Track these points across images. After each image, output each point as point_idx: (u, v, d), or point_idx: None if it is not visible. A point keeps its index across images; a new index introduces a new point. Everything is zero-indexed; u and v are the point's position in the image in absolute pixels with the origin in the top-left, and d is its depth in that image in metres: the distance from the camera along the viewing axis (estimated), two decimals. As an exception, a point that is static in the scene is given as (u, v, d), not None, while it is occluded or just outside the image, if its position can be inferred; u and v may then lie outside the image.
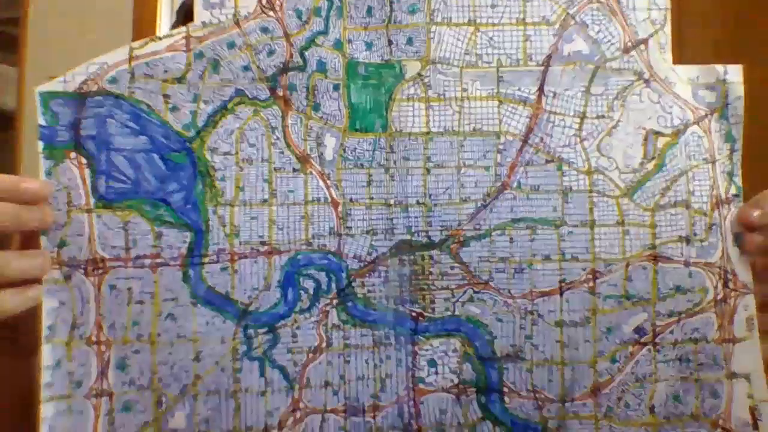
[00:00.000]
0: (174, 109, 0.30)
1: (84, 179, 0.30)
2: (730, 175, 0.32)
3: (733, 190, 0.32)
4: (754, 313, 0.31)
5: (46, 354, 0.28)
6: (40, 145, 0.29)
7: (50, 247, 0.29)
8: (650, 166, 0.32)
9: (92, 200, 0.30)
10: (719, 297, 0.31)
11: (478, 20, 0.32)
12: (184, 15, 0.36)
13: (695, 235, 0.32)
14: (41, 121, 0.29)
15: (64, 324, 0.29)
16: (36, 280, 0.28)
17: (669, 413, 0.31)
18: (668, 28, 0.32)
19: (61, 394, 0.28)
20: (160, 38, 0.30)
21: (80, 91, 0.30)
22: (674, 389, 0.31)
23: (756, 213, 0.31)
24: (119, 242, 0.30)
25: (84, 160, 0.30)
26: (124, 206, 0.30)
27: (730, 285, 0.31)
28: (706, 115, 0.32)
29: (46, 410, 0.28)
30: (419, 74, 0.31)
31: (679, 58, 0.32)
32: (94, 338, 0.29)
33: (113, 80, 0.30)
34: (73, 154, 0.29)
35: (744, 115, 0.32)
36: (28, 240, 0.29)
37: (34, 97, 0.29)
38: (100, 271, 0.29)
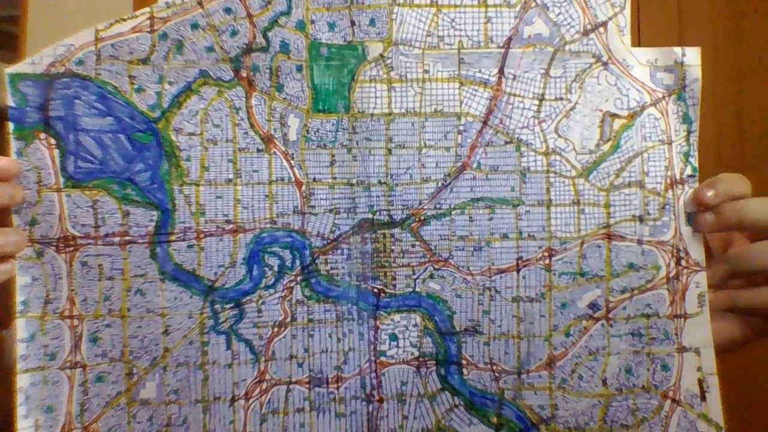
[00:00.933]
0: (139, 90, 0.31)
1: (53, 159, 0.30)
2: (687, 155, 0.32)
3: (689, 171, 0.32)
4: (705, 290, 0.32)
5: (21, 328, 0.29)
6: (11, 126, 0.30)
7: (22, 225, 0.29)
8: (606, 147, 0.32)
9: (62, 180, 0.30)
10: (671, 274, 0.32)
11: (440, 1, 0.32)
12: None
13: (648, 214, 0.32)
14: (10, 102, 0.29)
15: (37, 299, 0.29)
16: (10, 256, 0.29)
17: (621, 385, 0.32)
18: (628, 12, 0.32)
19: (36, 366, 0.29)
20: (125, 19, 0.31)
21: (48, 72, 0.30)
22: (626, 362, 0.32)
23: (710, 193, 0.31)
24: (89, 220, 0.30)
25: (53, 141, 0.30)
26: (92, 186, 0.30)
27: (683, 263, 0.32)
28: (664, 97, 0.32)
29: (21, 381, 0.29)
30: (381, 55, 0.32)
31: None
32: (67, 313, 0.30)
33: (80, 62, 0.30)
34: (42, 135, 0.30)
35: (701, 96, 0.33)
36: None
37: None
38: (71, 248, 0.30)
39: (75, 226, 0.30)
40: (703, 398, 0.32)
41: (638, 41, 1.02)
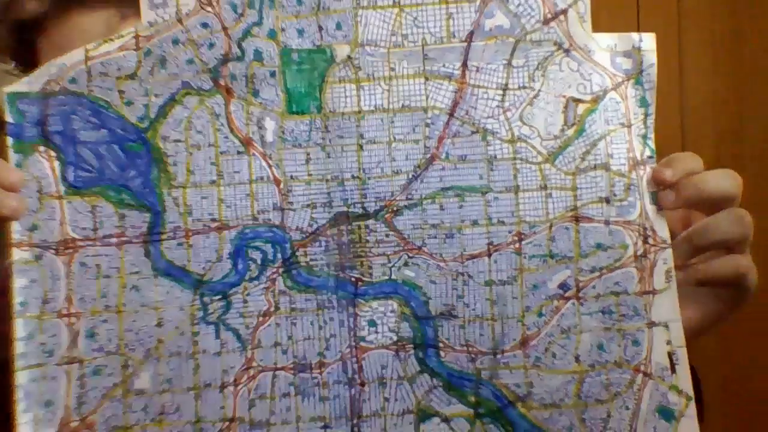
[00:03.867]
0: (129, 103, 0.32)
1: (54, 170, 0.31)
2: (644, 137, 0.32)
3: (647, 152, 0.32)
4: (671, 266, 0.32)
5: (19, 327, 0.30)
6: (10, 140, 0.31)
7: (22, 231, 0.31)
8: (570, 132, 0.32)
9: (62, 188, 0.31)
10: (639, 252, 0.32)
11: (402, 2, 0.32)
12: None
13: (614, 195, 0.32)
14: (9, 118, 0.31)
15: (35, 300, 0.31)
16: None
17: (594, 361, 0.32)
18: (586, -2, 0.32)
19: (35, 363, 0.30)
20: (112, 39, 0.32)
21: (44, 90, 0.31)
22: (598, 339, 0.32)
23: (669, 172, 0.31)
24: (88, 224, 0.31)
25: (53, 153, 0.31)
26: (90, 192, 0.31)
27: (650, 240, 0.32)
28: (623, 81, 0.32)
29: (20, 377, 0.30)
30: (349, 57, 0.32)
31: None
32: (64, 311, 0.31)
33: (73, 80, 0.31)
34: (41, 148, 0.31)
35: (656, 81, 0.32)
36: None
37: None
38: (71, 250, 0.31)
39: (75, 229, 0.31)
40: (673, 370, 0.31)
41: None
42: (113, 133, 0.32)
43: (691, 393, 0.31)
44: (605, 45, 0.32)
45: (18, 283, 0.30)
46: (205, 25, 0.32)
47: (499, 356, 0.32)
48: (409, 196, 0.32)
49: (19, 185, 0.30)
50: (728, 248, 0.31)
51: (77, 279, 0.31)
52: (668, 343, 0.31)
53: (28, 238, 0.31)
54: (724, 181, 0.31)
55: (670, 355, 0.31)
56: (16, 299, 0.30)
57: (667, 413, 0.31)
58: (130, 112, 0.32)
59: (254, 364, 0.32)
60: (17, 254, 0.31)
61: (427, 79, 0.32)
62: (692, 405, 0.31)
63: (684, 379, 0.31)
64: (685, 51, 0.99)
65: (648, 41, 0.32)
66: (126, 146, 0.32)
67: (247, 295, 0.32)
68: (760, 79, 0.99)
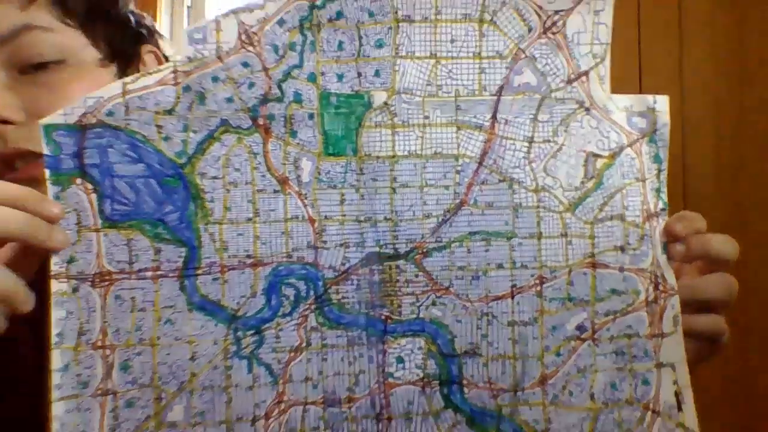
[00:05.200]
0: (167, 138, 0.32)
1: (91, 203, 0.31)
2: (658, 191, 0.34)
3: (660, 205, 0.34)
4: (678, 312, 0.34)
5: (56, 359, 0.30)
6: (47, 172, 0.31)
7: (60, 263, 0.30)
8: (590, 184, 0.34)
9: (99, 221, 0.31)
10: (650, 298, 0.34)
11: (438, 54, 0.33)
12: None
13: (629, 244, 0.34)
14: (45, 150, 0.30)
15: (71, 331, 0.30)
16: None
17: (607, 399, 0.33)
18: (608, 61, 0.34)
19: (70, 395, 0.30)
20: (150, 73, 0.32)
21: (80, 123, 0.31)
22: (611, 378, 0.33)
23: (680, 226, 0.33)
24: (124, 257, 0.31)
25: (90, 186, 0.31)
26: (127, 226, 0.31)
27: (660, 287, 0.34)
28: (638, 139, 0.34)
29: (56, 409, 0.30)
30: (386, 103, 0.33)
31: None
32: (99, 343, 0.31)
33: (110, 113, 0.31)
34: (79, 180, 0.31)
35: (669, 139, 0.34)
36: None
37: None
38: (107, 282, 0.31)
39: (111, 262, 0.31)
40: (680, 409, 0.33)
41: (638, 41, 1.01)
42: (150, 168, 0.32)
43: (697, 430, 0.33)
44: (622, 105, 0.34)
45: (56, 314, 0.30)
46: (245, 65, 0.32)
47: (519, 393, 0.33)
48: (439, 239, 0.33)
49: (59, 217, 0.30)
50: (710, 308, 0.34)
51: (112, 311, 0.31)
52: (675, 383, 0.33)
53: (66, 270, 0.30)
54: (727, 245, 0.34)
55: (677, 394, 0.33)
56: (54, 330, 0.30)
57: None
58: (167, 146, 0.32)
59: (285, 398, 0.32)
60: (55, 286, 0.30)
61: (458, 128, 0.33)
62: (697, 441, 0.33)
63: (690, 417, 0.33)
64: (685, 51, 0.98)
65: (662, 103, 0.34)
66: (163, 181, 0.32)
67: (280, 330, 0.32)
68: (761, 79, 0.97)
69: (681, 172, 0.91)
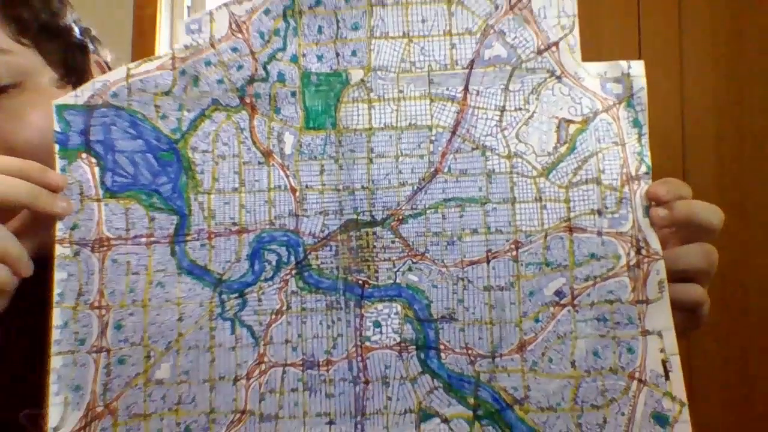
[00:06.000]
0: (163, 117, 0.35)
1: (94, 175, 0.34)
2: (640, 155, 0.34)
3: (643, 168, 0.34)
4: (665, 277, 0.32)
5: (56, 316, 0.32)
6: (56, 147, 0.34)
7: (64, 229, 0.33)
8: (563, 149, 0.34)
9: (101, 192, 0.34)
10: (632, 263, 0.33)
11: (410, 34, 0.35)
12: None
13: (606, 208, 0.33)
14: (56, 127, 0.34)
15: (71, 292, 0.33)
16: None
17: (589, 367, 0.32)
18: (576, 32, 0.34)
19: (68, 350, 0.32)
20: (151, 59, 0.35)
21: (88, 104, 0.34)
22: (593, 346, 0.32)
23: (663, 190, 0.32)
24: (121, 225, 0.34)
25: (94, 160, 0.34)
26: (125, 196, 0.34)
27: (643, 252, 0.33)
28: (615, 105, 0.34)
29: (55, 362, 0.32)
30: (362, 80, 0.35)
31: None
32: (96, 303, 0.33)
33: (114, 95, 0.35)
34: (84, 155, 0.34)
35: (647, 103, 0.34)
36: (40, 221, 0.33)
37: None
38: (105, 248, 0.33)
39: (110, 229, 0.34)
40: (667, 377, 0.32)
41: (639, 41, 1.00)
42: (148, 143, 0.34)
43: (685, 399, 0.31)
44: (595, 72, 0.34)
45: (58, 276, 0.32)
46: (235, 50, 0.35)
47: (497, 359, 0.33)
48: (414, 206, 0.34)
49: (62, 187, 0.33)
50: (691, 278, 0.33)
51: (109, 274, 0.33)
52: (662, 351, 0.32)
53: (69, 236, 0.33)
54: (713, 214, 0.33)
55: (664, 362, 0.32)
56: (56, 290, 0.32)
57: (661, 419, 0.31)
58: (164, 124, 0.35)
59: (266, 359, 0.33)
60: (59, 250, 0.33)
61: (432, 101, 0.35)
62: (686, 410, 0.31)
63: (678, 386, 0.31)
64: (685, 51, 0.98)
65: (636, 68, 0.34)
66: (159, 155, 0.34)
67: (262, 294, 0.33)
68: (760, 79, 0.97)
69: (681, 172, 0.89)
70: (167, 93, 0.35)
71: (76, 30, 0.42)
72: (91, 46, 0.44)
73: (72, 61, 0.41)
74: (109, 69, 0.43)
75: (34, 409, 0.34)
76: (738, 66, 0.98)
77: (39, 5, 0.40)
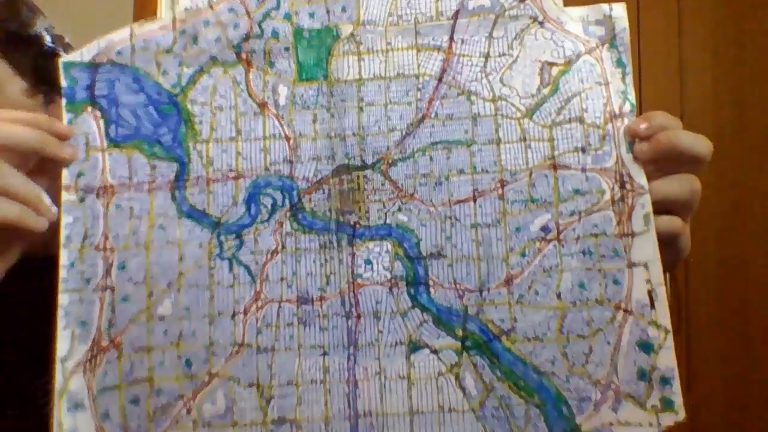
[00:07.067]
0: (164, 73, 0.36)
1: (99, 127, 0.36)
2: (624, 93, 0.34)
3: (627, 107, 0.34)
4: (650, 210, 0.33)
5: (63, 257, 0.34)
6: (63, 101, 0.36)
7: (70, 177, 0.35)
8: (546, 91, 0.35)
9: (105, 142, 0.36)
10: (617, 197, 0.33)
11: None
12: None
13: (590, 145, 0.34)
14: (63, 83, 0.36)
15: (78, 235, 0.34)
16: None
17: (575, 299, 0.33)
18: (558, -22, 0.35)
19: (74, 288, 0.34)
20: (153, 20, 0.37)
21: (94, 61, 0.36)
22: (579, 278, 0.33)
23: (644, 125, 0.33)
24: (124, 173, 0.35)
25: (98, 113, 0.36)
26: (128, 146, 0.36)
27: (627, 186, 0.33)
28: (597, 46, 0.35)
29: (62, 299, 0.33)
30: (352, 34, 0.36)
31: None
32: (101, 246, 0.34)
33: (119, 53, 0.36)
34: (89, 109, 0.36)
35: (630, 44, 0.35)
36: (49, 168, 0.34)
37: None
38: (109, 194, 0.35)
39: (114, 177, 0.35)
40: (653, 306, 0.32)
41: (638, 41, 1.01)
42: (150, 98, 0.36)
43: (669, 326, 0.31)
44: (577, 16, 0.35)
45: (65, 219, 0.34)
46: (231, 10, 0.37)
47: (485, 293, 0.33)
48: (403, 150, 0.35)
49: (69, 136, 0.35)
50: (671, 209, 0.33)
51: (113, 219, 0.35)
52: (648, 281, 0.32)
53: (75, 183, 0.35)
54: (698, 142, 0.33)
55: (649, 293, 0.32)
56: (63, 233, 0.34)
57: (646, 347, 0.32)
58: (165, 80, 0.36)
59: (262, 296, 0.34)
60: (65, 196, 0.35)
61: (418, 51, 0.36)
62: (670, 337, 0.31)
63: (663, 314, 0.32)
64: (685, 51, 0.99)
65: (618, 9, 0.35)
66: (160, 108, 0.36)
67: (258, 235, 0.35)
68: (760, 79, 0.97)
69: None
70: (168, 51, 0.36)
71: (48, 38, 0.42)
72: (63, 54, 0.42)
73: (43, 69, 0.40)
74: None
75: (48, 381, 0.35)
76: (738, 66, 0.97)
77: (6, 15, 0.40)
